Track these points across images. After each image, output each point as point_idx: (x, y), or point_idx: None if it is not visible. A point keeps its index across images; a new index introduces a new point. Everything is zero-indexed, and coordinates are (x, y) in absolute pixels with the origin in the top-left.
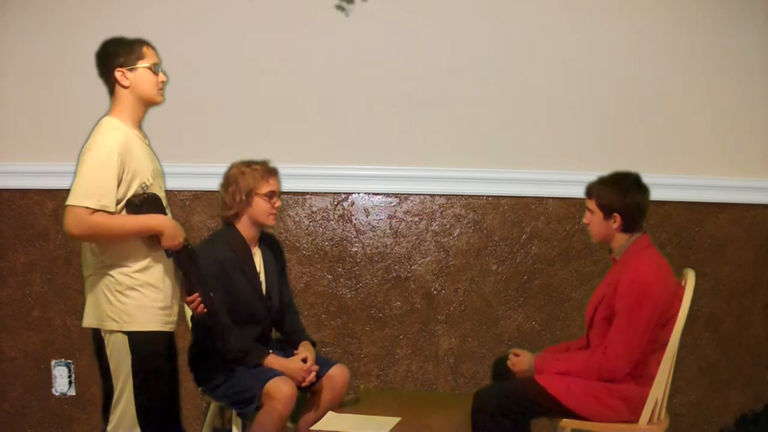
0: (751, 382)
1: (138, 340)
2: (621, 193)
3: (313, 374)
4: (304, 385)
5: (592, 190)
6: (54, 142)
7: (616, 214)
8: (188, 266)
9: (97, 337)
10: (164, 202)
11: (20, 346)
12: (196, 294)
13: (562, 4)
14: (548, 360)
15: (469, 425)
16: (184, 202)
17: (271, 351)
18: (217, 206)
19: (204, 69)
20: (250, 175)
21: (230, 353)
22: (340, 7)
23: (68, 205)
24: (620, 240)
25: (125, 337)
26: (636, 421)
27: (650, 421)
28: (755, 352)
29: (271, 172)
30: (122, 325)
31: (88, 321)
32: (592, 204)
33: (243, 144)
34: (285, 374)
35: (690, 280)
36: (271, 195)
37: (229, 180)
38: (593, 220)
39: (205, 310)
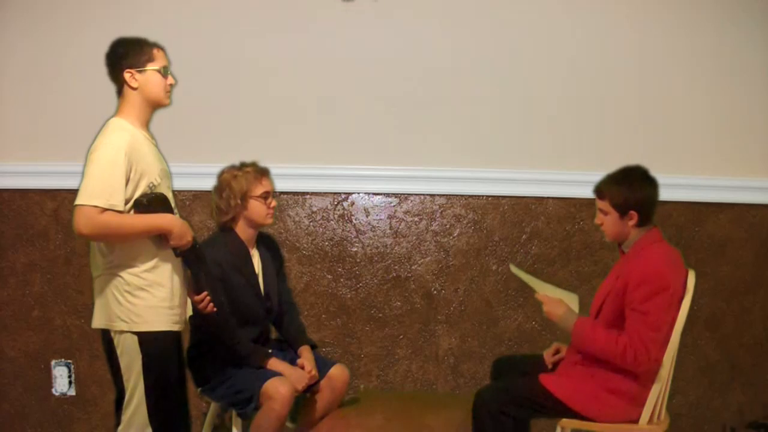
0: (751, 382)
1: (148, 340)
2: (634, 190)
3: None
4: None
5: (603, 190)
6: (54, 142)
7: (632, 212)
8: (197, 265)
9: (106, 337)
10: (172, 203)
11: (20, 346)
12: (205, 293)
13: (562, 4)
14: (588, 325)
15: (469, 425)
16: (184, 202)
17: (270, 351)
18: (212, 212)
19: (204, 69)
20: (242, 179)
21: (237, 352)
22: None
23: (77, 205)
24: (634, 235)
25: (135, 337)
26: (637, 420)
27: (650, 420)
28: (755, 352)
29: (263, 173)
30: (132, 326)
31: (98, 322)
32: (605, 204)
33: (243, 144)
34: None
35: (690, 280)
36: (265, 196)
37: (222, 185)
38: (607, 220)
39: (215, 309)
